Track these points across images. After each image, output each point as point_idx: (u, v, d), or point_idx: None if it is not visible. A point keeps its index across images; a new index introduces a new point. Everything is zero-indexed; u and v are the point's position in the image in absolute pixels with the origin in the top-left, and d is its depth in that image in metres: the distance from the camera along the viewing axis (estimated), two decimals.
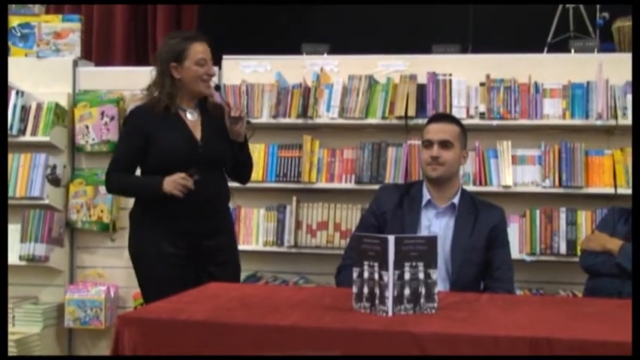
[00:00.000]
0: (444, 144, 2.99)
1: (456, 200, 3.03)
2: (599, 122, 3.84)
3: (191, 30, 3.17)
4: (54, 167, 4.25)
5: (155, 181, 3.02)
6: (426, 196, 3.04)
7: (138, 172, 3.20)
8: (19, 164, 4.21)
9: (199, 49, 3.09)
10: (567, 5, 4.59)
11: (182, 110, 3.13)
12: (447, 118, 3.21)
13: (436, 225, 3.00)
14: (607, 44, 4.26)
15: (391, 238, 2.05)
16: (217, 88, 3.36)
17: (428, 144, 3.03)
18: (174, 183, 2.99)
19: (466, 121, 3.93)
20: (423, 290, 2.09)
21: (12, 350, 3.87)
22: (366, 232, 2.88)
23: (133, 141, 3.11)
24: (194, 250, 3.09)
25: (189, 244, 3.08)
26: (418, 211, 3.02)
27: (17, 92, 4.26)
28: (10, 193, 4.16)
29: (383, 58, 4.20)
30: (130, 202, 4.28)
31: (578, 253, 3.57)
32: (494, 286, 2.96)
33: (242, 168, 3.31)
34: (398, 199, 3.07)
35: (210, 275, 3.05)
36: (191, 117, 3.14)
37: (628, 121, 3.78)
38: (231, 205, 3.35)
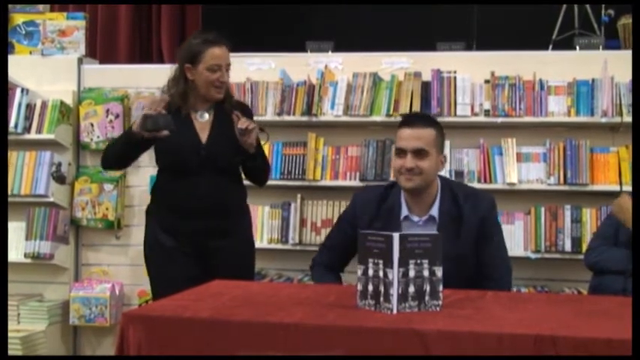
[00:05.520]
0: (419, 152, 2.69)
1: (434, 212, 2.76)
2: (604, 119, 3.83)
3: (211, 32, 3.07)
4: (59, 165, 4.25)
5: (129, 130, 3.01)
6: (404, 210, 2.78)
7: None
8: (24, 162, 4.22)
9: (216, 54, 3.03)
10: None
11: (194, 111, 3.12)
12: (421, 120, 2.82)
13: None
14: (612, 41, 4.24)
15: (396, 236, 2.05)
16: (262, 130, 3.15)
17: (400, 152, 2.72)
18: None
19: (471, 119, 3.94)
20: (427, 288, 2.09)
21: (17, 347, 3.88)
22: (342, 240, 2.88)
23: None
24: (199, 249, 3.11)
25: (194, 244, 3.10)
26: (397, 227, 2.72)
27: (22, 90, 4.26)
28: (15, 191, 4.17)
29: (387, 55, 4.20)
30: (133, 200, 4.34)
31: (583, 250, 3.57)
32: (488, 285, 2.66)
33: (255, 174, 3.27)
34: (375, 210, 2.82)
35: (217, 275, 3.00)
36: (201, 119, 3.12)
37: None
38: None
